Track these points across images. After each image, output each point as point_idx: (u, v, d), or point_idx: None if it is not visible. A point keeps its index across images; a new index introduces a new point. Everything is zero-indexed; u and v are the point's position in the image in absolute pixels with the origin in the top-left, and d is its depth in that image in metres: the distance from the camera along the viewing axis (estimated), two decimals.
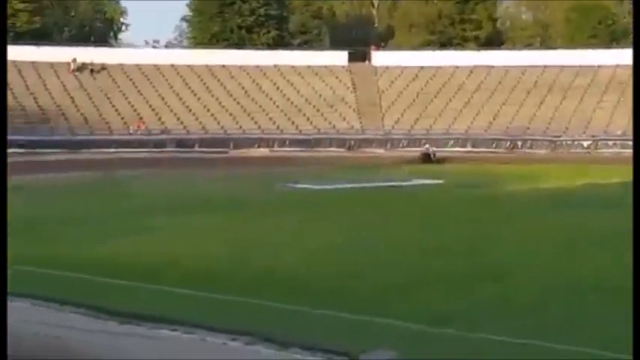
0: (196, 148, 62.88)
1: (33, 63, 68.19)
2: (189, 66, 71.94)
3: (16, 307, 15.89)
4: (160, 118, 66.07)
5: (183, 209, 30.16)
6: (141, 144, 62.23)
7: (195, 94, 69.37)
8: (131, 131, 63.99)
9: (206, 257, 20.40)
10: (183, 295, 16.22)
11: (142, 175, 46.77)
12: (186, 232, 24.90)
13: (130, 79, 69.68)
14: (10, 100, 63.98)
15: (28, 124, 61.91)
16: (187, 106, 67.82)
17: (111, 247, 21.73)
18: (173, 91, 69.21)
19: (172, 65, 71.86)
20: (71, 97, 66.02)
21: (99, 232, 24.73)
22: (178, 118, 66.33)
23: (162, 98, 68.15)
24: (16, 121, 61.99)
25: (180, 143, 63.36)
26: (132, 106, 66.85)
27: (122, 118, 65.15)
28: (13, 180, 42.58)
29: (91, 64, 69.64)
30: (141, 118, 65.41)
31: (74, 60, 69.25)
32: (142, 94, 68.27)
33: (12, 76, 66.24)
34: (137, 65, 71.01)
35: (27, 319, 14.82)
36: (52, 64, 68.68)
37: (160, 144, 62.75)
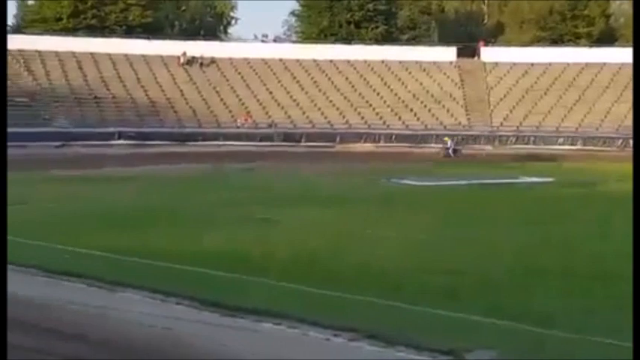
0: (303, 142, 63.16)
1: (144, 56, 69.33)
2: (297, 60, 72.31)
3: (126, 298, 16.21)
4: (267, 112, 66.57)
5: (290, 202, 30.32)
6: (248, 137, 62.79)
7: (302, 89, 69.70)
8: (238, 124, 64.60)
9: (310, 251, 20.47)
10: (287, 289, 16.30)
11: (249, 168, 47.19)
12: (293, 225, 25.03)
13: (239, 73, 70.35)
14: (122, 92, 65.21)
15: (138, 117, 63.01)
16: (295, 100, 68.19)
17: (218, 240, 21.96)
18: (281, 85, 69.65)
19: (280, 59, 72.31)
20: (180, 90, 66.95)
21: (207, 224, 25.02)
22: (285, 112, 66.73)
23: (270, 92, 68.65)
24: (127, 113, 63.18)
25: (287, 137, 63.74)
26: (240, 99, 67.48)
27: (230, 112, 65.82)
28: (123, 171, 43.44)
29: (201, 57, 70.50)
30: (248, 112, 66.00)
31: (184, 54, 70.20)
32: (249, 88, 68.86)
33: (123, 69, 67.46)
34: (246, 59, 71.65)
35: (140, 311, 15.09)
36: (162, 58, 69.74)
37: (266, 137, 63.23)
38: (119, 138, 59.37)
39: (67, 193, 33.12)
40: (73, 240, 21.65)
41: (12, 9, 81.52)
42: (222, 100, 67.20)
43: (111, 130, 59.65)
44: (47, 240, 21.81)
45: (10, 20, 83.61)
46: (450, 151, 59.59)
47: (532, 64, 73.79)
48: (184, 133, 61.85)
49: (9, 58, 64.55)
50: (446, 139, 61.26)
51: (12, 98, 60.61)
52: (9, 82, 62.15)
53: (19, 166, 43.34)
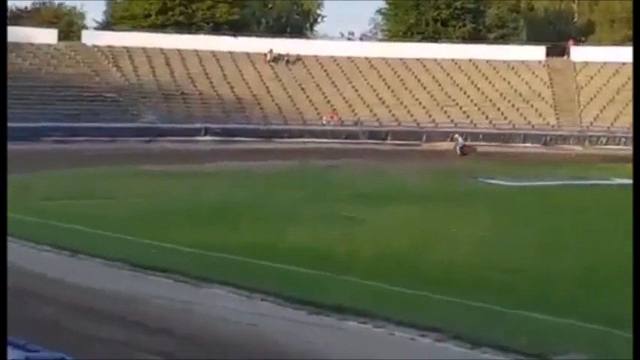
0: (388, 140, 62.98)
1: (231, 53, 69.79)
2: (383, 58, 72.10)
3: (211, 294, 16.29)
4: (352, 110, 66.52)
5: (375, 200, 30.24)
6: (333, 135, 62.81)
7: (388, 87, 69.50)
8: (324, 122, 64.67)
9: (395, 249, 20.38)
10: (372, 287, 16.23)
11: (334, 165, 47.20)
12: (378, 223, 24.95)
13: (325, 71, 70.42)
14: (208, 89, 65.74)
15: (224, 113, 63.45)
16: (380, 98, 68.04)
17: (303, 236, 21.98)
18: (367, 83, 69.55)
19: (366, 57, 72.17)
20: (266, 87, 67.26)
21: (292, 220, 25.07)
22: (371, 110, 66.62)
23: (356, 90, 68.58)
24: (213, 109, 63.68)
25: (373, 135, 63.61)
26: (325, 97, 67.55)
27: (315, 109, 65.94)
28: (209, 167, 43.76)
29: (287, 55, 70.73)
30: (334, 109, 66.03)
31: (270, 51, 70.52)
32: (335, 86, 68.89)
33: (210, 66, 68.00)
34: (332, 57, 71.67)
35: (225, 307, 15.17)
36: (249, 55, 70.13)
37: (352, 135, 63.19)
38: (205, 134, 59.82)
39: (154, 188, 33.47)
40: (159, 235, 21.87)
41: (101, 6, 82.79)
42: (307, 97, 67.35)
43: (197, 126, 60.15)
44: (134, 234, 22.06)
45: (100, 17, 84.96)
46: (458, 148, 58.86)
47: (623, 64, 72.51)
48: (270, 130, 62.11)
49: (98, 54, 65.54)
50: (456, 136, 60.57)
51: (101, 93, 61.53)
52: (98, 78, 63.12)
53: (107, 160, 44.01)
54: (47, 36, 65.91)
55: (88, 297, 16.31)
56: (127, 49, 67.64)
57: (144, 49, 68.05)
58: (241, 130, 61.31)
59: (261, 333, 13.58)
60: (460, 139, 59.73)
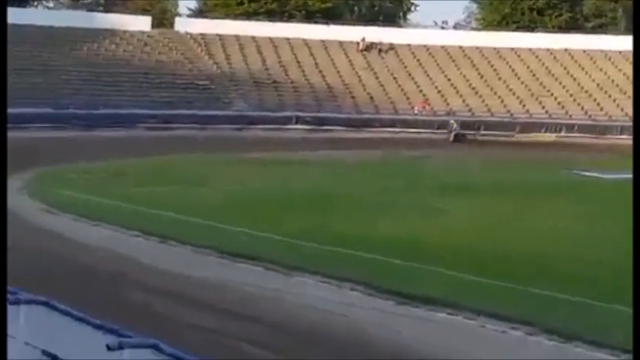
0: (481, 131, 62.39)
1: (323, 41, 69.80)
2: (477, 48, 71.39)
3: (301, 282, 16.35)
4: (445, 100, 66.05)
5: (468, 191, 30.00)
6: (425, 124, 62.42)
7: (482, 77, 68.82)
8: (416, 111, 64.31)
9: (485, 241, 20.19)
10: (462, 279, 16.11)
11: (425, 155, 46.98)
12: (468, 214, 24.76)
13: (417, 60, 70.01)
14: (300, 77, 65.92)
15: (315, 101, 63.54)
16: (473, 88, 67.42)
17: (392, 226, 21.93)
18: (460, 73, 68.96)
19: (460, 47, 71.52)
20: (358, 76, 67.14)
21: (382, 211, 25.03)
22: (464, 100, 66.06)
23: (449, 79, 68.06)
24: (305, 97, 63.83)
25: (465, 125, 63.08)
26: (418, 86, 67.17)
27: (407, 98, 65.61)
28: (301, 155, 43.86)
29: (379, 43, 70.46)
30: (426, 99, 65.64)
31: (363, 39, 70.33)
32: (428, 75, 68.47)
33: (302, 54, 68.14)
34: (425, 46, 71.21)
35: (315, 295, 15.22)
36: (341, 43, 70.05)
37: (444, 125, 62.77)
38: (296, 122, 59.99)
39: (246, 176, 33.69)
40: (251, 223, 22.01)
41: None
42: (399, 86, 67.05)
43: (289, 114, 60.33)
44: (225, 222, 22.23)
45: (193, 4, 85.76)
46: (452, 135, 57.82)
47: None
48: (361, 119, 62.00)
49: (191, 41, 66.12)
50: (452, 122, 59.49)
51: (193, 81, 62.10)
52: (190, 66, 63.74)
53: (200, 148, 44.43)
54: (141, 23, 66.74)
55: (177, 283, 16.49)
56: (220, 37, 68.16)
57: (236, 37, 68.49)
58: (332, 118, 61.33)
59: (351, 322, 13.59)
60: (455, 125, 59.04)
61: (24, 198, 27.39)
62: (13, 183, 30.29)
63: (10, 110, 51.45)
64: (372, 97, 66.02)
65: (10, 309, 7.32)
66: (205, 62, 65.53)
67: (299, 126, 60.29)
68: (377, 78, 68.12)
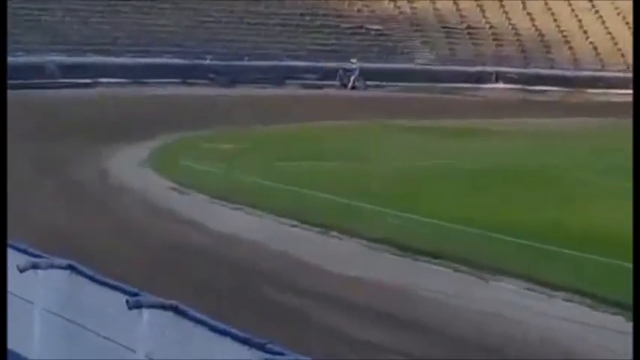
0: None
1: None
2: None
3: (499, 288, 16.30)
4: None
5: None
6: None
7: None
8: None
9: None
10: None
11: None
12: None
13: None
14: (502, 22, 65.34)
15: (521, 53, 63.07)
16: None
17: (604, 217, 21.63)
18: None
19: None
20: (579, 21, 66.24)
21: (591, 195, 24.81)
22: None
23: None
24: (508, 48, 63.32)
25: None
26: None
27: None
28: (498, 124, 43.43)
29: None
30: None
31: None
32: None
33: None
34: None
35: (519, 305, 15.15)
36: None
37: None
38: (497, 80, 59.70)
39: (420, 149, 33.62)
40: (428, 208, 22.12)
41: None
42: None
43: (487, 69, 60.09)
44: (400, 209, 22.26)
45: None
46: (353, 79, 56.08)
47: None
48: (581, 78, 61.22)
49: None
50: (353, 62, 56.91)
51: (362, 25, 62.28)
52: (359, 4, 63.91)
53: (361, 112, 44.44)
54: None
55: (341, 286, 16.61)
56: None
57: None
58: (543, 76, 60.77)
59: (568, 344, 13.49)
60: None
61: (149, 173, 27.99)
62: (137, 153, 31.03)
63: (126, 60, 53.12)
64: (596, 49, 65.00)
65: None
66: (379, 1, 65.60)
67: (500, 85, 60.02)
68: (604, 23, 67.02)
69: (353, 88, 56.44)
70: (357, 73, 56.98)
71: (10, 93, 46.45)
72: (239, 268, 17.97)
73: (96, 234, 20.02)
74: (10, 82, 48.16)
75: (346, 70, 57.03)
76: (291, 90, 53.49)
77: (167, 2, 59.02)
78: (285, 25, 60.16)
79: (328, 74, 56.27)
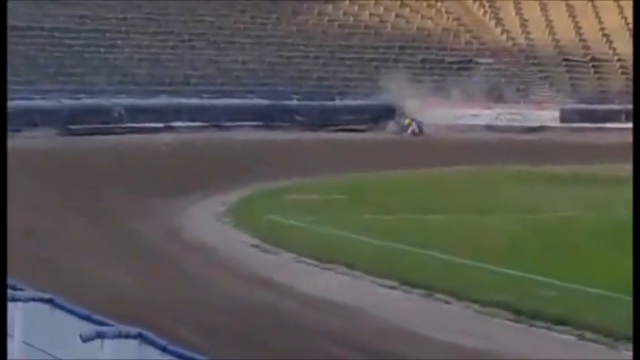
0: None
1: None
2: None
3: None
4: None
5: None
6: None
7: None
8: None
9: None
10: None
11: None
12: None
13: None
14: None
15: None
16: None
17: None
18: None
19: None
20: None
21: None
22: None
23: None
24: None
25: None
26: None
27: None
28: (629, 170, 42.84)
29: None
30: None
31: None
32: None
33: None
34: None
35: None
36: None
37: None
38: (627, 119, 59.08)
39: (547, 199, 33.31)
40: (561, 269, 21.87)
41: None
42: None
43: (615, 107, 59.58)
44: (517, 267, 22.06)
45: None
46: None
47: None
48: None
49: (469, 2, 66.19)
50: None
51: (471, 58, 62.07)
52: (467, 35, 63.77)
53: (466, 156, 44.16)
54: None
55: (449, 356, 16.41)
56: None
57: None
58: None
59: None
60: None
61: (228, 229, 27.96)
62: (214, 206, 31.01)
63: (201, 101, 53.10)
64: None
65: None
66: (490, 31, 65.55)
67: (630, 124, 59.30)
68: None
69: (417, 132, 56.10)
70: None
71: (71, 139, 47.35)
72: (330, 338, 17.77)
73: (170, 300, 19.95)
74: (72, 127, 49.04)
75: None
76: (386, 133, 53.38)
77: (247, 37, 59.23)
78: (382, 59, 60.16)
79: (432, 114, 56.11)
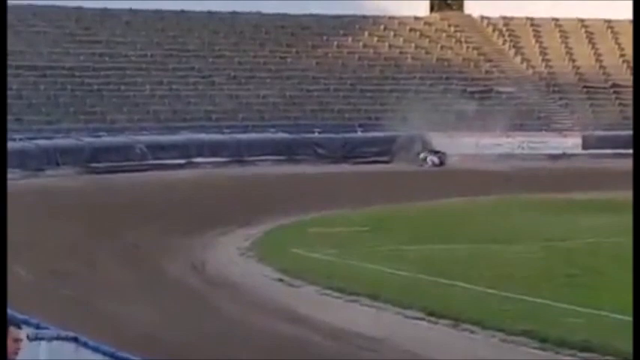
0: None
1: None
2: None
3: None
4: None
5: None
6: None
7: None
8: None
9: None
10: None
11: None
12: None
13: None
14: None
15: None
16: None
17: None
18: None
19: None
20: None
21: None
22: None
23: None
24: None
25: None
26: None
27: None
28: None
29: None
30: None
31: None
32: None
33: None
34: None
35: None
36: None
37: None
38: None
39: (571, 226, 33.24)
40: (586, 295, 21.92)
41: None
42: None
43: None
44: (543, 296, 22.03)
45: None
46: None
47: None
48: None
49: (488, 29, 66.24)
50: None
51: (492, 86, 62.05)
52: (487, 64, 63.77)
53: (492, 186, 44.04)
54: (415, 6, 67.31)
55: None
56: (532, 22, 67.94)
57: (555, 22, 68.06)
58: None
59: None
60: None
61: (252, 263, 27.97)
62: (237, 241, 31.00)
63: (223, 136, 53.13)
64: None
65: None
66: (510, 60, 65.49)
67: None
68: None
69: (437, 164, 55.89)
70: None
71: (93, 177, 47.43)
72: None
73: (197, 335, 19.96)
74: (93, 165, 49.16)
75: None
76: (408, 164, 53.30)
77: (267, 71, 59.33)
78: (402, 90, 60.06)
79: (454, 144, 56.03)
